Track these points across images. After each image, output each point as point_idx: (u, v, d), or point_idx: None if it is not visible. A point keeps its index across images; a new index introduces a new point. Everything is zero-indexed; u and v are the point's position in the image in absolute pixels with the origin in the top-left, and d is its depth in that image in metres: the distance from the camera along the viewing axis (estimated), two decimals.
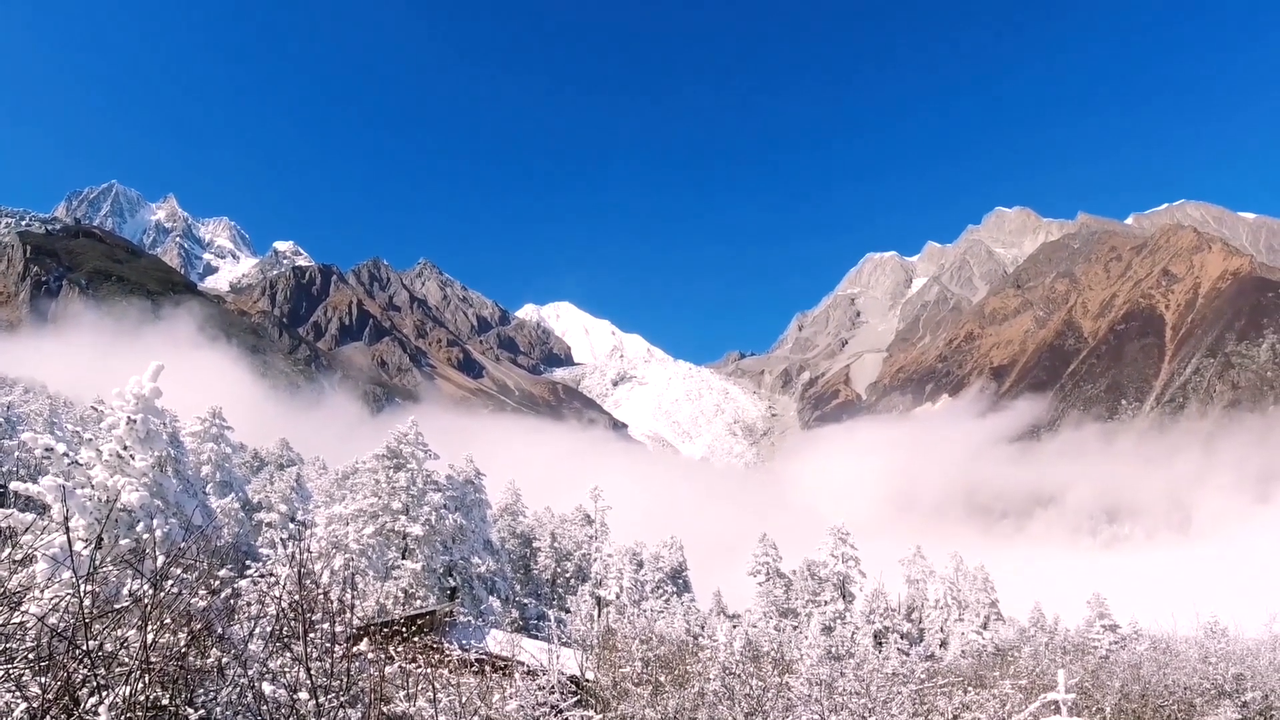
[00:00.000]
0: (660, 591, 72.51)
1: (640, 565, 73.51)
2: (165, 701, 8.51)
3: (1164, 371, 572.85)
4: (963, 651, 65.55)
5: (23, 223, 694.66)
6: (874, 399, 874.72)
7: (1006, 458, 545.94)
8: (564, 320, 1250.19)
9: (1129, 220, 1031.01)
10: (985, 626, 71.82)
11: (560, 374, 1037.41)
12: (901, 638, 63.11)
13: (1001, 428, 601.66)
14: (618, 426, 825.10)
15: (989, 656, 58.75)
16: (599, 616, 60.28)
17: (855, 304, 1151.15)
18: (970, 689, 21.79)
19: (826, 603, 68.25)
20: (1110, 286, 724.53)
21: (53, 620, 8.11)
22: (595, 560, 71.06)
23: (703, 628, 63.86)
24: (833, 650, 55.34)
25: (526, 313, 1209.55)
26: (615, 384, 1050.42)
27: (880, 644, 58.67)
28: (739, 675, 20.49)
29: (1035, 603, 78.46)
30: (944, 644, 71.03)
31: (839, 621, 65.87)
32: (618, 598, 65.71)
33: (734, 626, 62.79)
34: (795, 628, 67.11)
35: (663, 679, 20.31)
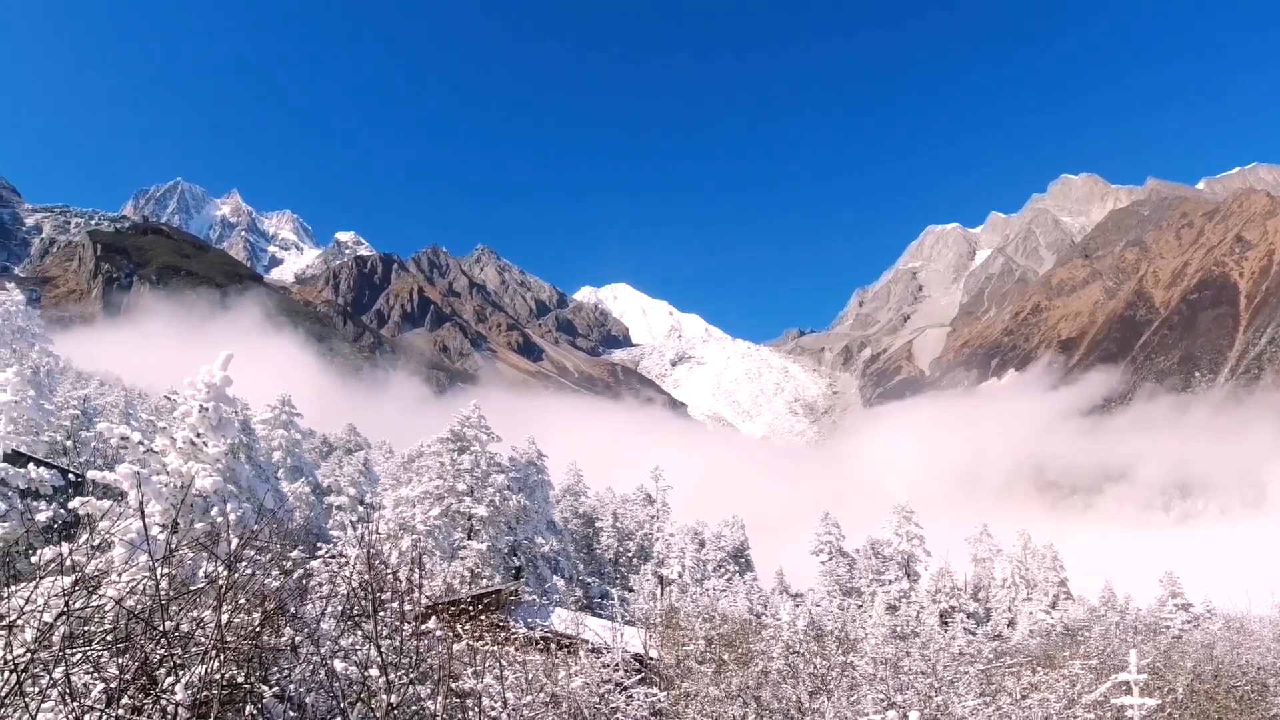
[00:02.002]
0: (722, 570, 72.52)
1: (702, 544, 73.57)
2: (241, 679, 8.75)
3: (1238, 342, 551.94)
4: (1030, 631, 64.41)
5: (93, 222, 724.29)
6: (938, 375, 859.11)
7: (1075, 432, 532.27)
8: (621, 302, 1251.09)
9: (1200, 185, 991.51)
10: (1054, 606, 70.43)
11: (619, 355, 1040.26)
12: (968, 617, 62.28)
13: (1070, 402, 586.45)
14: (676, 406, 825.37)
15: (1058, 636, 57.67)
16: (661, 595, 60.55)
17: (917, 278, 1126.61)
18: (1039, 669, 21.34)
19: (891, 581, 67.59)
20: (1182, 254, 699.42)
21: (130, 603, 8.37)
22: (657, 539, 71.32)
23: (765, 607, 63.72)
24: (897, 629, 54.76)
25: (584, 295, 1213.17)
26: (674, 364, 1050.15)
27: (946, 623, 57.95)
28: (803, 654, 20.39)
29: (1105, 581, 76.64)
30: (1011, 623, 69.85)
31: (904, 600, 65.20)
32: (680, 577, 65.93)
33: (797, 605, 62.55)
34: (859, 607, 66.63)
35: (726, 657, 20.30)
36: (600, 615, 43.55)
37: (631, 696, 16.88)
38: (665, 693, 18.00)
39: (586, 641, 19.78)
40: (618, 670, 17.55)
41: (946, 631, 48.94)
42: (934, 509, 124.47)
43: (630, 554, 75.05)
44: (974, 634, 53.82)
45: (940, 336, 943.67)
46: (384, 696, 8.71)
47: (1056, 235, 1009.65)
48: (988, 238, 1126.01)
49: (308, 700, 9.45)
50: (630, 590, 63.33)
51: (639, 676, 18.39)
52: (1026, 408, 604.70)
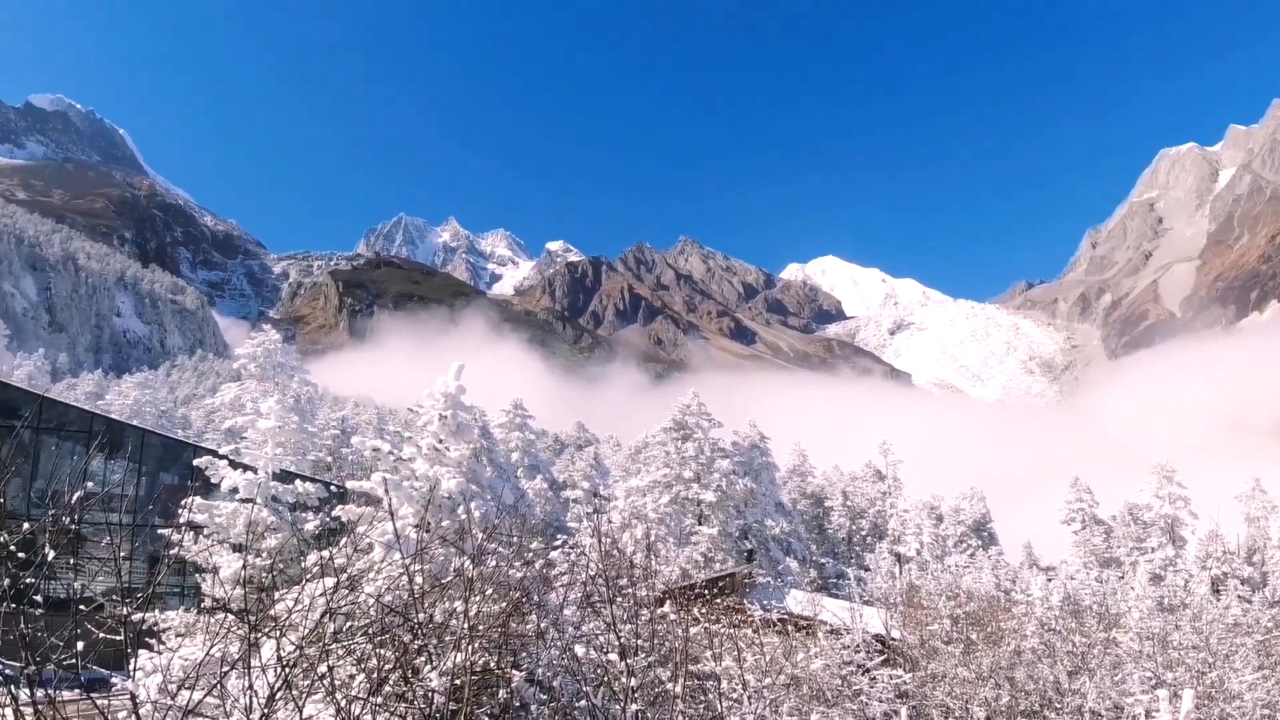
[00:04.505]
0: (963, 545, 69.32)
1: (939, 519, 70.66)
2: (492, 665, 9.29)
3: None
4: None
5: (331, 263, 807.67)
6: (1190, 315, 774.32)
7: None
8: (830, 275, 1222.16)
9: None
10: None
11: (833, 330, 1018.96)
12: (1242, 584, 56.01)
13: None
14: (898, 376, 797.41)
15: None
16: (900, 574, 58.74)
17: (1155, 209, 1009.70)
18: None
19: (1153, 549, 61.89)
20: None
21: (388, 598, 9.11)
22: (891, 516, 69.24)
23: (1014, 582, 60.29)
24: (1164, 601, 50.24)
25: (791, 273, 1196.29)
26: (892, 333, 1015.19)
27: (1218, 592, 52.58)
28: (1059, 631, 19.12)
29: None
30: None
31: (1169, 569, 59.53)
32: (918, 554, 63.67)
33: (1049, 580, 58.73)
34: (1120, 578, 61.53)
35: (974, 637, 19.32)
36: (837, 596, 42.93)
37: (875, 678, 16.46)
38: (910, 674, 17.41)
39: (824, 623, 19.44)
40: (859, 651, 17.15)
41: (1219, 601, 44.80)
42: (1196, 466, 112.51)
43: (863, 532, 73.34)
44: (1250, 602, 48.48)
45: (1189, 272, 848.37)
46: (626, 679, 8.95)
47: None
48: (1229, 154, 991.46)
49: (555, 683, 9.91)
50: (866, 569, 61.95)
51: (881, 658, 17.89)
52: None
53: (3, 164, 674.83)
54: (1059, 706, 16.42)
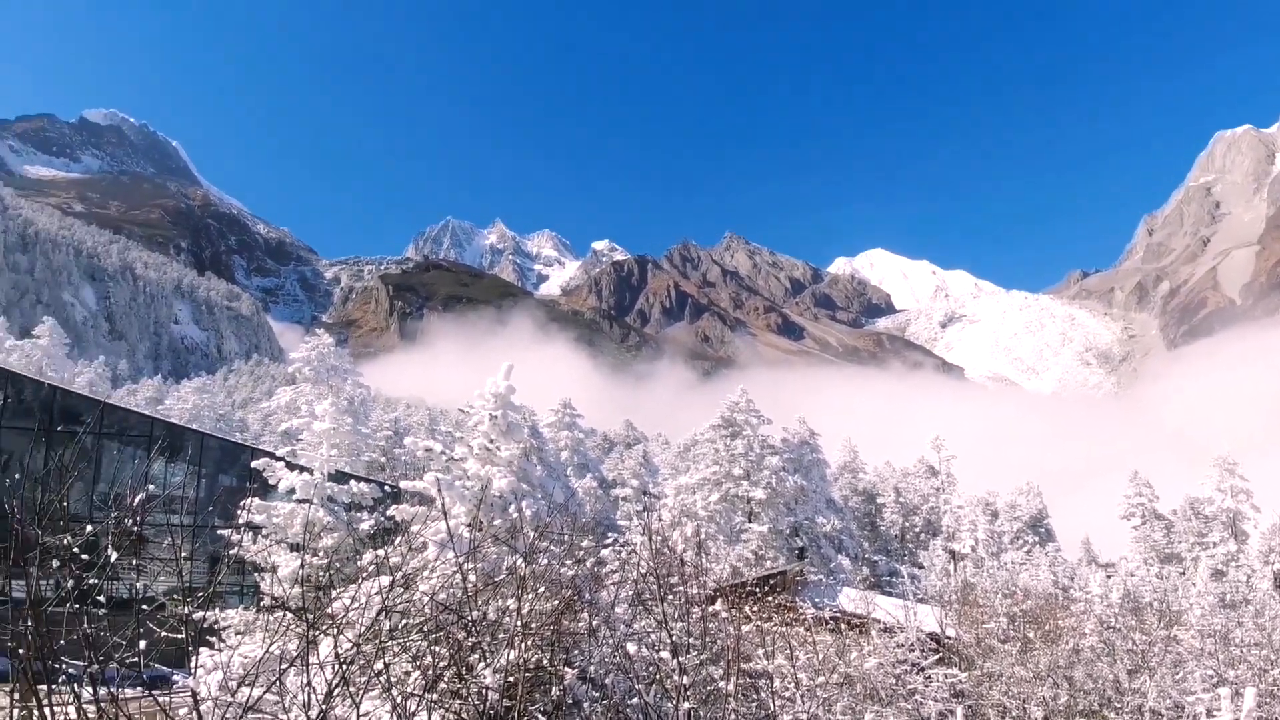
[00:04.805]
0: (1019, 542, 68.09)
1: (995, 515, 69.50)
2: (545, 662, 9.33)
3: None
4: None
5: (381, 267, 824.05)
6: (1250, 302, 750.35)
7: None
8: (878, 268, 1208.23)
9: None
10: None
11: (883, 324, 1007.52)
12: None
13: None
14: (950, 370, 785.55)
15: None
16: (954, 571, 57.85)
17: (1211, 194, 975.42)
18: None
19: (1215, 544, 60.23)
20: None
21: (442, 596, 9.20)
22: (944, 513, 68.23)
23: (1072, 579, 59.04)
24: (1226, 597, 48.89)
25: (838, 267, 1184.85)
26: (943, 326, 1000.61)
27: None
28: (1119, 629, 18.68)
29: None
30: None
31: (1231, 564, 57.89)
32: (973, 550, 62.65)
33: (1108, 576, 57.42)
34: (1180, 574, 60.00)
35: (1031, 635, 18.95)
36: (890, 594, 42.40)
37: (930, 677, 16.22)
38: (965, 673, 17.12)
39: (878, 621, 19.20)
40: (913, 650, 16.91)
41: None
42: (1260, 458, 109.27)
43: (916, 529, 72.39)
44: None
45: (1248, 257, 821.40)
46: (678, 677, 8.93)
47: None
48: None
49: (607, 681, 9.92)
50: (920, 567, 61.15)
51: (936, 657, 17.62)
52: None
53: (60, 177, 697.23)
54: (1118, 706, 16.09)
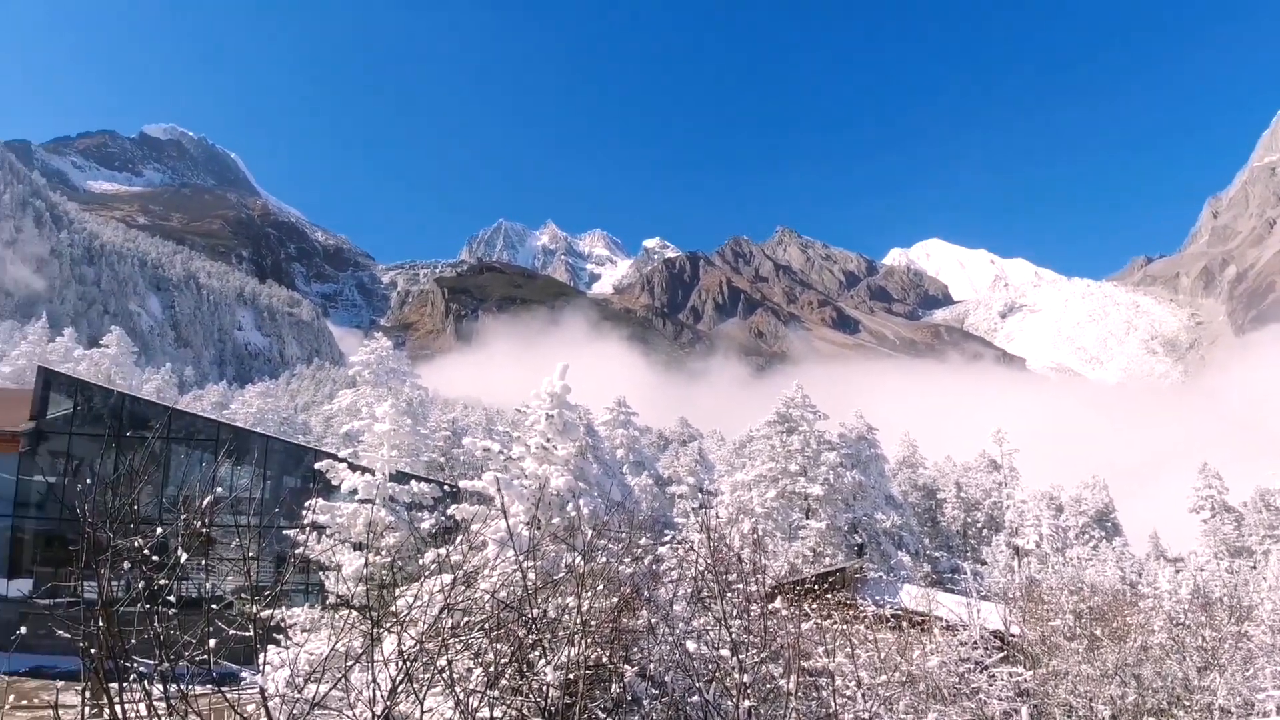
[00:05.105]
0: (1085, 537, 66.45)
1: (1059, 510, 67.93)
2: (604, 659, 9.34)
3: None
4: None
5: (436, 271, 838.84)
6: None
7: None
8: (935, 259, 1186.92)
9: None
10: None
11: (940, 315, 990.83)
12: None
13: None
14: (1011, 361, 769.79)
15: None
16: (1018, 567, 56.65)
17: (1276, 174, 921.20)
18: None
19: None
20: None
21: (502, 594, 9.26)
22: (1007, 507, 66.83)
23: (1139, 574, 57.48)
24: None
25: (893, 258, 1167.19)
26: (1003, 316, 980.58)
27: None
28: (1188, 625, 18.12)
29: None
30: None
31: None
32: (1037, 546, 61.26)
33: (1177, 571, 55.78)
34: (1252, 568, 57.97)
35: (1098, 632, 18.45)
36: (952, 590, 41.67)
37: (994, 676, 15.89)
38: (1030, 671, 16.74)
39: (940, 619, 18.88)
40: (976, 648, 16.58)
41: None
42: None
43: (978, 525, 71.05)
44: None
45: None
46: (737, 675, 8.87)
47: None
48: None
49: (667, 679, 9.90)
50: (982, 563, 60.05)
51: (1000, 655, 17.25)
52: None
53: (123, 191, 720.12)
54: (1187, 704, 15.64)
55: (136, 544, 6.68)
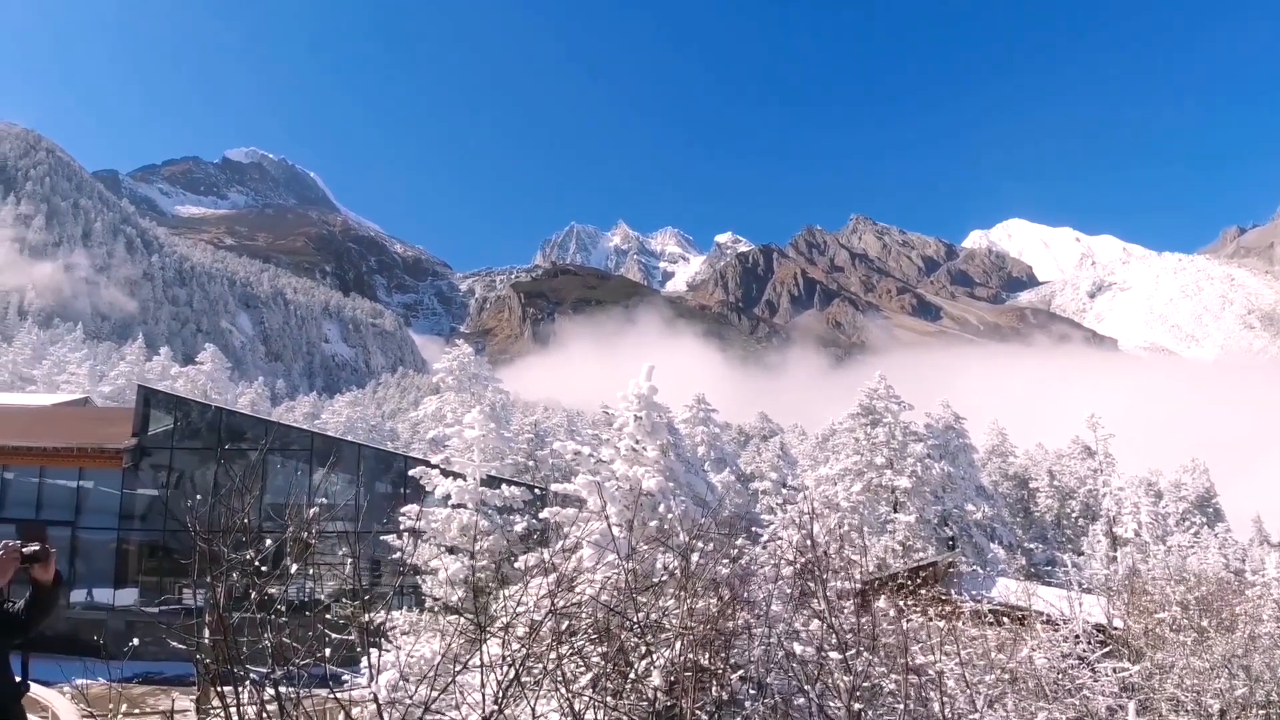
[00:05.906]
0: (1186, 523, 63.85)
1: (1158, 496, 65.39)
2: (704, 661, 9.30)
3: None
4: None
5: (512, 276, 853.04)
6: None
7: None
8: (1017, 239, 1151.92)
9: None
10: None
11: (1025, 298, 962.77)
12: None
13: None
14: (1101, 341, 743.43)
15: None
16: (1118, 557, 54.66)
17: None
18: None
19: None
20: None
21: (604, 597, 9.30)
22: (1104, 495, 64.53)
23: (1244, 561, 54.93)
24: None
25: (974, 241, 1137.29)
26: (1092, 296, 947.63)
27: None
28: None
29: None
30: None
31: None
32: (1136, 535, 59.02)
33: None
34: None
35: (1205, 623, 17.64)
36: (1049, 583, 40.40)
37: (1097, 671, 15.31)
38: (1135, 665, 16.09)
39: (1040, 613, 18.28)
40: (1079, 643, 16.00)
41: None
42: None
43: (1073, 514, 68.78)
44: None
45: None
46: (847, 677, 8.74)
47: None
48: None
49: (768, 680, 9.81)
50: (1080, 554, 58.15)
51: (1104, 649, 16.62)
52: None
53: (209, 214, 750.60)
54: None
55: (249, 555, 6.89)
